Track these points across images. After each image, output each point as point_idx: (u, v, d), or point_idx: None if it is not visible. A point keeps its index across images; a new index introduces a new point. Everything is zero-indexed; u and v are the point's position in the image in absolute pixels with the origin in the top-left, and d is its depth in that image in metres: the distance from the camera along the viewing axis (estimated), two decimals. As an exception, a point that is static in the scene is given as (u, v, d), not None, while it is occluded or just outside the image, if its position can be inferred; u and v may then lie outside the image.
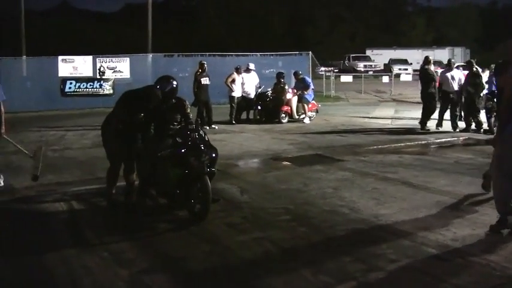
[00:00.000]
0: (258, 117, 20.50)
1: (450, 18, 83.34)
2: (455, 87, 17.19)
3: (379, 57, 60.54)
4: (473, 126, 16.94)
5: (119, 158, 8.57)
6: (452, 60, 18.57)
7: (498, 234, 6.92)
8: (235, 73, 20.07)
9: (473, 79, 16.77)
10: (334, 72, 39.58)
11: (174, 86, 8.47)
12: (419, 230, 7.18)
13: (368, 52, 63.37)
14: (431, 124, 17.49)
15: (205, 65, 18.64)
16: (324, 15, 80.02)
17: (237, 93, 19.91)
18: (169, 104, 8.43)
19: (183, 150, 7.74)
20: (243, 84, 20.26)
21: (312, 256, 6.36)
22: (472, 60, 17.70)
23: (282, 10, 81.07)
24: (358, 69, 52.03)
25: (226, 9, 77.32)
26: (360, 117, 22.03)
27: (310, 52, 30.75)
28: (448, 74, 17.44)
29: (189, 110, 8.63)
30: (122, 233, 7.35)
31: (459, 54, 57.06)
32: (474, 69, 16.93)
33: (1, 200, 9.21)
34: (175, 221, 7.85)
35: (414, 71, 38.97)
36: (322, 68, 40.60)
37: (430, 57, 18.17)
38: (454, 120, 17.31)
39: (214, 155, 8.00)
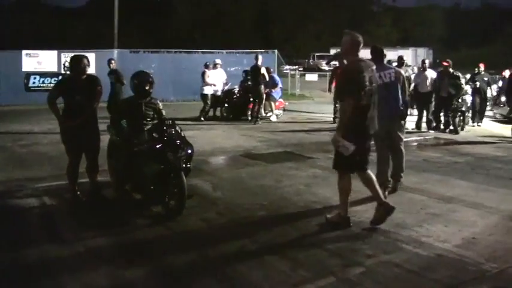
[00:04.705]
0: (225, 114, 20.48)
1: (416, 19, 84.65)
2: (430, 88, 17.33)
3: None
4: (433, 125, 17.35)
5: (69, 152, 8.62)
6: (427, 61, 18.71)
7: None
8: (206, 70, 19.95)
9: (453, 80, 16.92)
10: (299, 70, 39.69)
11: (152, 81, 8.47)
12: (393, 226, 7.31)
13: (332, 51, 63.28)
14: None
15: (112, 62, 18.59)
16: (292, 13, 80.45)
17: (208, 90, 19.81)
18: (146, 99, 8.41)
19: (159, 146, 7.75)
20: (209, 81, 20.19)
21: (290, 251, 6.44)
22: (448, 60, 17.68)
23: (251, 7, 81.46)
24: (322, 68, 52.30)
25: (195, 5, 77.41)
26: (326, 115, 22.10)
27: (276, 50, 30.84)
28: (423, 75, 17.58)
29: (161, 106, 8.63)
30: (97, 229, 7.30)
31: (422, 55, 57.49)
32: (451, 70, 17.12)
33: (-29, 195, 9.09)
34: (151, 217, 7.85)
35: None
36: (287, 67, 40.67)
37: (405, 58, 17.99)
38: (420, 120, 17.61)
39: (190, 151, 8.03)
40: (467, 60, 37.80)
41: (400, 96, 9.11)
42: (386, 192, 8.77)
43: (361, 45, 7.23)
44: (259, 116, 19.19)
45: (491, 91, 21.68)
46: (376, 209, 7.39)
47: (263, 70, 18.99)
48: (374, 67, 7.40)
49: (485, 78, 20.15)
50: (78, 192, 8.65)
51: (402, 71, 9.58)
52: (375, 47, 9.36)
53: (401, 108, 9.20)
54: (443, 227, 7.31)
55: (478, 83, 19.51)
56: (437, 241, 6.73)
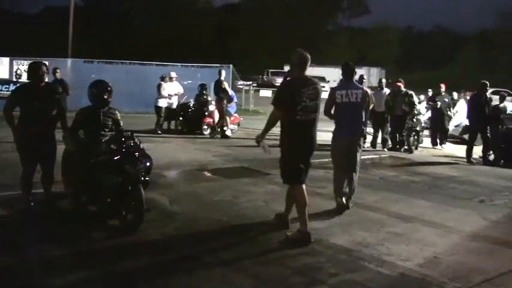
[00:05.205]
0: (180, 127, 20.28)
1: (370, 40, 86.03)
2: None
3: (298, 73, 61.11)
4: (389, 144, 17.47)
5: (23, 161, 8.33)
6: (383, 80, 18.84)
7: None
8: (162, 82, 19.74)
9: (407, 98, 17.07)
10: (253, 86, 39.71)
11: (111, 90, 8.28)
12: (354, 244, 7.27)
13: (286, 68, 63.79)
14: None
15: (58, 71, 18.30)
16: (248, 30, 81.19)
17: (163, 103, 19.59)
18: (105, 108, 8.22)
19: (117, 158, 7.54)
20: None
21: (252, 268, 6.33)
22: (400, 79, 17.82)
23: (208, 22, 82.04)
24: (276, 84, 52.39)
25: (153, 18, 77.50)
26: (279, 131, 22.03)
27: (231, 65, 30.76)
28: (380, 94, 17.60)
29: (119, 116, 8.44)
30: (51, 240, 7.08)
31: (375, 74, 58.29)
32: (403, 88, 17.26)
33: None
34: (108, 230, 7.62)
35: (331, 88, 39.90)
36: (241, 82, 40.62)
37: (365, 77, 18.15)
38: (375, 139, 17.71)
39: (149, 164, 7.84)
40: (420, 83, 38.33)
41: (364, 117, 9.31)
42: (348, 202, 9.06)
43: (309, 62, 7.48)
44: (216, 130, 19.14)
45: (451, 113, 21.62)
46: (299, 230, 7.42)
47: (225, 85, 19.06)
48: (318, 85, 7.53)
49: (446, 100, 20.14)
50: (32, 203, 8.37)
51: (369, 91, 9.57)
52: (347, 64, 9.48)
53: (363, 128, 9.41)
54: (404, 245, 7.29)
55: (439, 103, 19.53)
56: (399, 260, 6.71)
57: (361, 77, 16.20)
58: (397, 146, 17.38)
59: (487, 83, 15.93)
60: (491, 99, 16.26)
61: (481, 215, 9.18)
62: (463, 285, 5.98)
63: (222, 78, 19.22)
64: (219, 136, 19.01)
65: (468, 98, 28.39)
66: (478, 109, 15.63)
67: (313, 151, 7.63)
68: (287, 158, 7.49)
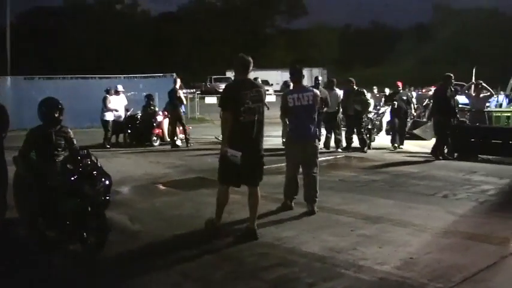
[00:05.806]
0: (128, 140, 19.89)
1: (310, 40, 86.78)
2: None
3: (239, 78, 61.11)
4: (342, 144, 17.35)
5: None
6: (334, 80, 18.64)
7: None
8: (107, 95, 19.25)
9: (358, 97, 17.03)
10: (197, 94, 39.42)
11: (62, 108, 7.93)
12: (327, 251, 7.10)
13: (228, 74, 63.56)
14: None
15: None
16: (188, 37, 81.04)
17: (110, 116, 19.11)
18: (57, 127, 7.85)
19: (74, 178, 7.18)
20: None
21: (226, 284, 6.12)
22: (352, 79, 17.67)
23: (146, 32, 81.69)
24: (219, 90, 52.07)
25: (90, 30, 76.69)
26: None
27: (175, 74, 30.39)
28: (331, 94, 17.16)
29: (72, 135, 8.08)
30: (6, 269, 6.70)
31: (317, 74, 58.45)
32: (355, 87, 17.22)
33: None
34: (69, 254, 7.26)
35: (275, 91, 40.31)
36: (184, 90, 40.25)
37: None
38: (328, 140, 17.57)
39: (108, 182, 7.48)
40: (363, 80, 38.52)
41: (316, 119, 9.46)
42: (314, 206, 9.06)
43: (251, 66, 7.74)
44: (188, 139, 19.30)
45: (412, 110, 20.98)
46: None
47: (180, 93, 19.09)
48: (261, 88, 7.88)
49: (404, 97, 19.16)
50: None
51: (318, 93, 9.67)
52: (294, 67, 9.67)
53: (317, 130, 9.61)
54: (377, 248, 7.16)
55: (396, 103, 18.56)
56: (376, 264, 6.55)
57: (316, 78, 16.18)
58: (359, 145, 17.15)
59: (452, 75, 15.65)
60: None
61: (447, 210, 9.15)
62: (444, 285, 5.86)
63: (177, 86, 19.13)
64: (191, 144, 19.25)
65: (414, 93, 28.90)
66: (444, 103, 15.44)
67: (257, 152, 7.78)
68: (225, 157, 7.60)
